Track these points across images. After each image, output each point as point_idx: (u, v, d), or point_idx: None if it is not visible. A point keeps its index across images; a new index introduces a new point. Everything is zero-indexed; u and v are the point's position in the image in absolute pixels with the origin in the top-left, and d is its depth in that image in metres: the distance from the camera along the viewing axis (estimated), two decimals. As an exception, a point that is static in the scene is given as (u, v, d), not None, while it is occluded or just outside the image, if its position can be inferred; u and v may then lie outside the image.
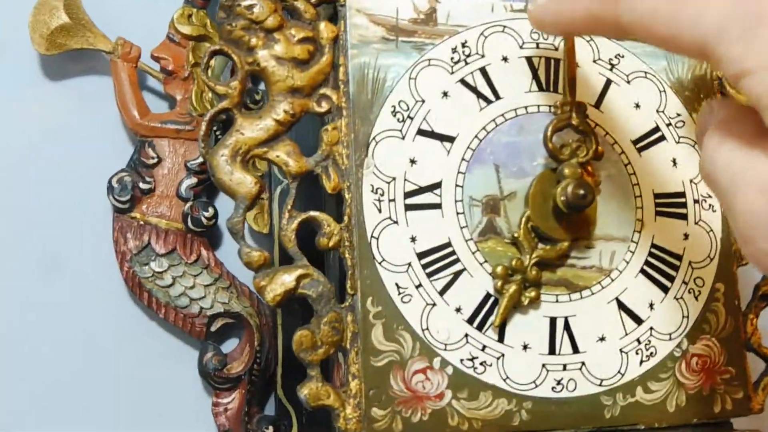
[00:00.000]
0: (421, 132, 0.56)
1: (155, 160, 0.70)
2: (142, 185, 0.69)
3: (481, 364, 0.55)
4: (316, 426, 0.68)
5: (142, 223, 0.69)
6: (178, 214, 0.70)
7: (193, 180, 0.70)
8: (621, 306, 0.57)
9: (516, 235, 0.56)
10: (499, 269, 0.55)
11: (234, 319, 0.70)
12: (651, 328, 0.58)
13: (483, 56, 0.58)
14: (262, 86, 0.70)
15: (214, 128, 0.68)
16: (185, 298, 0.69)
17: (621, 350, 0.57)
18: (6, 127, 0.70)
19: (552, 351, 0.56)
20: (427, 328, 0.54)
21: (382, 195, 0.55)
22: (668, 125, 0.61)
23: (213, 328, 0.69)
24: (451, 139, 0.56)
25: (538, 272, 0.55)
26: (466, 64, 0.57)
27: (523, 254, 0.55)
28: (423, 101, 0.56)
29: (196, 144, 0.70)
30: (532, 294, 0.55)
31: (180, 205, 0.70)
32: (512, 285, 0.55)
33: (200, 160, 0.69)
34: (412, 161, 0.56)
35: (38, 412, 0.68)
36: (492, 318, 0.55)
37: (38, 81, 0.71)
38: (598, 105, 0.59)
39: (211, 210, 0.70)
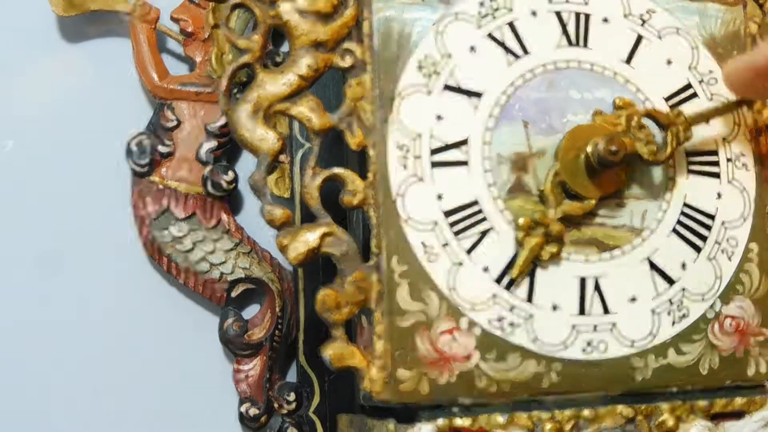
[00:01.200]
0: (447, 87, 0.55)
1: (174, 123, 0.68)
2: (161, 148, 0.68)
3: (509, 324, 0.54)
4: (338, 393, 0.67)
5: (161, 187, 0.68)
6: (198, 177, 0.68)
7: (213, 143, 0.68)
8: (653, 266, 0.56)
9: (542, 188, 0.54)
10: (521, 220, 0.54)
11: (255, 285, 0.69)
12: (683, 289, 0.57)
13: (511, 10, 0.56)
14: (284, 47, 0.69)
15: (234, 90, 0.67)
16: (205, 264, 0.68)
17: (653, 311, 0.56)
18: (25, 90, 0.69)
19: (582, 311, 0.55)
20: (454, 288, 0.53)
21: (408, 152, 0.53)
22: (701, 82, 0.59)
23: (234, 294, 0.68)
24: (478, 95, 0.55)
25: (562, 228, 0.54)
26: (494, 18, 0.56)
27: (548, 208, 0.54)
28: (450, 56, 0.55)
29: (216, 107, 0.69)
30: (554, 249, 0.54)
31: (200, 168, 0.68)
32: (534, 238, 0.53)
33: (220, 122, 0.68)
34: (439, 117, 0.54)
35: (55, 377, 0.67)
36: (520, 278, 0.54)
37: (56, 43, 0.70)
38: (628, 61, 0.58)
39: (231, 174, 0.68)
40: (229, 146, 0.69)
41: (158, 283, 0.70)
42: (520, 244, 0.53)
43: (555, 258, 0.54)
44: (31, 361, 0.67)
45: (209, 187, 0.68)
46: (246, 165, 0.70)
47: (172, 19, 0.70)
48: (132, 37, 0.69)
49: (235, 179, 0.69)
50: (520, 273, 0.53)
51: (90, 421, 0.67)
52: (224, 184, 0.68)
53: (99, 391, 0.68)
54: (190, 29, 0.69)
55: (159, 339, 0.69)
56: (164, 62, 0.70)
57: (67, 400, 0.67)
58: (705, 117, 0.57)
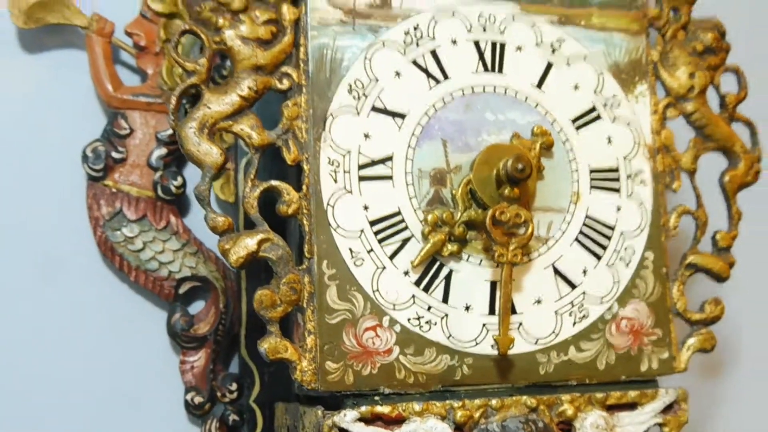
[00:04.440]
0: (374, 109, 0.60)
1: (127, 131, 0.73)
2: (114, 155, 0.72)
3: (426, 322, 0.59)
4: (277, 384, 0.72)
5: (114, 190, 0.72)
6: (149, 182, 0.73)
7: (163, 150, 0.73)
8: (556, 272, 0.62)
9: (453, 192, 0.60)
10: (430, 216, 0.59)
11: (201, 283, 0.73)
12: (584, 293, 0.63)
13: (434, 39, 0.62)
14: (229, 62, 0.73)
15: (184, 102, 0.71)
16: (155, 262, 0.72)
17: (556, 312, 0.62)
18: (-15, 99, 0.73)
19: (492, 312, 0.61)
20: (378, 290, 0.59)
21: (338, 166, 0.59)
22: (605, 105, 0.65)
23: (181, 291, 0.73)
24: (402, 116, 0.61)
25: (465, 230, 0.60)
26: (418, 46, 0.62)
27: (456, 211, 0.60)
28: (377, 80, 0.60)
29: (166, 116, 0.73)
30: (454, 248, 0.60)
31: (150, 174, 0.73)
32: (439, 234, 0.59)
33: (170, 131, 0.72)
34: (366, 136, 0.60)
35: (8, 368, 0.71)
36: (437, 281, 0.60)
37: (16, 54, 0.74)
38: (539, 85, 0.64)
39: (179, 179, 0.73)
40: (178, 153, 0.73)
41: (111, 280, 0.74)
42: (425, 237, 0.59)
43: (455, 256, 0.60)
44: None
45: (159, 192, 0.73)
46: (194, 171, 0.72)
47: (126, 33, 0.74)
48: (88, 50, 0.73)
49: (184, 184, 0.73)
50: (420, 262, 0.59)
51: (43, 409, 0.71)
52: (173, 189, 0.73)
53: (54, 380, 0.72)
54: (143, 43, 0.74)
55: (110, 332, 0.73)
56: (118, 74, 0.74)
57: (21, 389, 0.71)
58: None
